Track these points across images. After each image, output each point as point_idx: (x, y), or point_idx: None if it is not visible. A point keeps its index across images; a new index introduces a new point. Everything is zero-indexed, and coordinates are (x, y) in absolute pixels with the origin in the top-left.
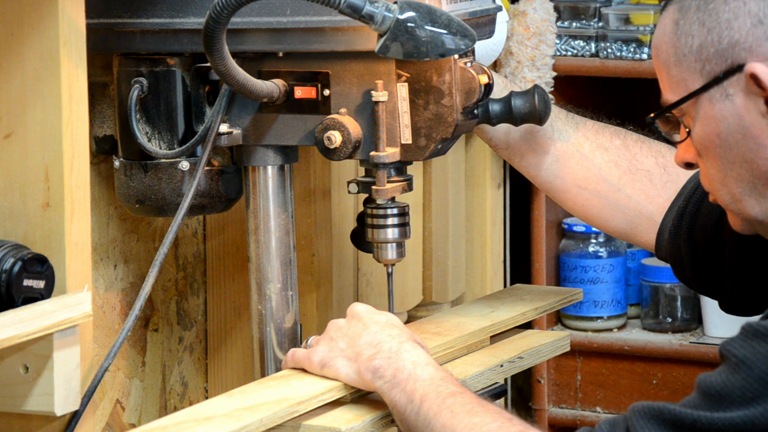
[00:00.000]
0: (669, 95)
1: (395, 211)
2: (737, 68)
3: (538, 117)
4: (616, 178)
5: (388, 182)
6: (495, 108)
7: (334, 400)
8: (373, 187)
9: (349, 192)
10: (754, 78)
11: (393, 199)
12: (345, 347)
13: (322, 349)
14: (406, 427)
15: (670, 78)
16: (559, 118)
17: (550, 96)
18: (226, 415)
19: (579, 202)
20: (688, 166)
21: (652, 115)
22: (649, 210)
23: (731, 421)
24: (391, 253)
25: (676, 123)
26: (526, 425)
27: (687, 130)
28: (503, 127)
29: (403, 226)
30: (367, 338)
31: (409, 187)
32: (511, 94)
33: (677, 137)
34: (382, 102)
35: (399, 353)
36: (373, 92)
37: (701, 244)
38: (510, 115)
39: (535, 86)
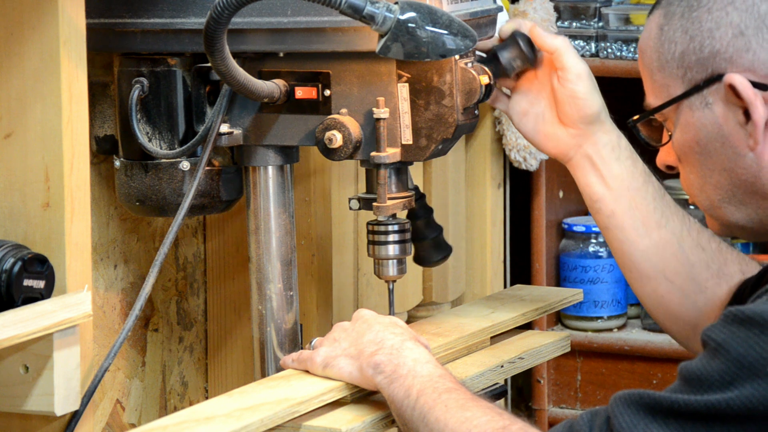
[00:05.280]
0: (652, 99)
1: (396, 228)
2: (717, 78)
3: (529, 61)
4: (704, 280)
5: (389, 199)
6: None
7: (335, 400)
8: (374, 204)
9: (351, 208)
10: (733, 89)
11: (394, 215)
12: (348, 346)
13: (325, 349)
14: (403, 421)
15: (653, 82)
16: (668, 205)
17: None
18: (226, 415)
19: (659, 293)
20: (669, 168)
21: (635, 118)
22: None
23: (707, 403)
24: (392, 269)
25: (657, 127)
26: (514, 419)
27: (669, 133)
28: (612, 196)
29: (404, 242)
30: (370, 336)
31: (411, 204)
32: (495, 48)
33: (657, 142)
34: (384, 119)
35: (401, 350)
36: (374, 109)
37: None
38: (505, 72)
39: (514, 33)
